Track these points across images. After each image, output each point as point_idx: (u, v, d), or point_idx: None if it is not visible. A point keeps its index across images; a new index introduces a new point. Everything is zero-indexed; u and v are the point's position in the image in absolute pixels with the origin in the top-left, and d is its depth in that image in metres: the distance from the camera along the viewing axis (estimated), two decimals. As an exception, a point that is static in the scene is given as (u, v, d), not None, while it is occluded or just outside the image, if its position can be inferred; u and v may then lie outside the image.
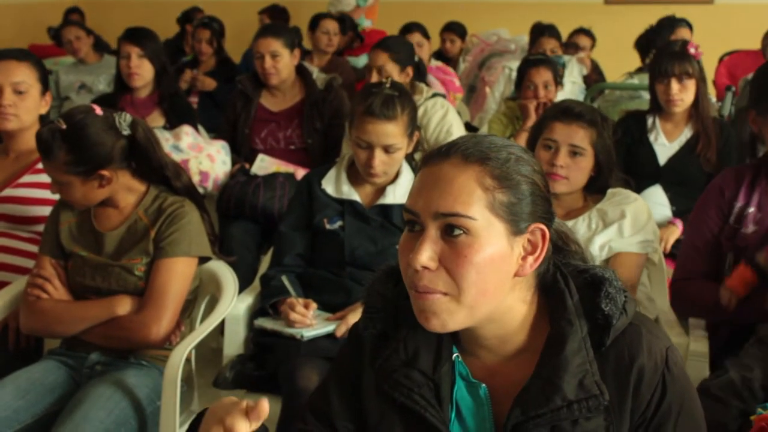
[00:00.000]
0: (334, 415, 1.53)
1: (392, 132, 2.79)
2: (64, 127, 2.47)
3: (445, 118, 4.10)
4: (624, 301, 1.42)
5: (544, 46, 5.65)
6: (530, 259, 1.41)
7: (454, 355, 1.47)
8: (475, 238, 1.35)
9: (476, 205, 1.35)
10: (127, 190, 2.61)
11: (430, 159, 1.42)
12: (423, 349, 1.46)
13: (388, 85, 2.86)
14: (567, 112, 2.78)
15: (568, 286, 1.44)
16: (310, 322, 2.72)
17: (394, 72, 4.13)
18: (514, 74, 5.24)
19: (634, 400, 1.39)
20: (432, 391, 1.44)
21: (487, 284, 1.36)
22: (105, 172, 2.53)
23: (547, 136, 2.77)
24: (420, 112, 4.11)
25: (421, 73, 4.37)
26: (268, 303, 2.84)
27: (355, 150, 2.85)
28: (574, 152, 2.74)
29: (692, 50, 3.82)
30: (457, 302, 1.36)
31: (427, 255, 1.35)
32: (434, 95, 4.23)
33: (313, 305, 2.77)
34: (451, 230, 1.35)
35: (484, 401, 1.45)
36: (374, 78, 4.10)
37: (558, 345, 1.39)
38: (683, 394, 1.42)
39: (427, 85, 4.45)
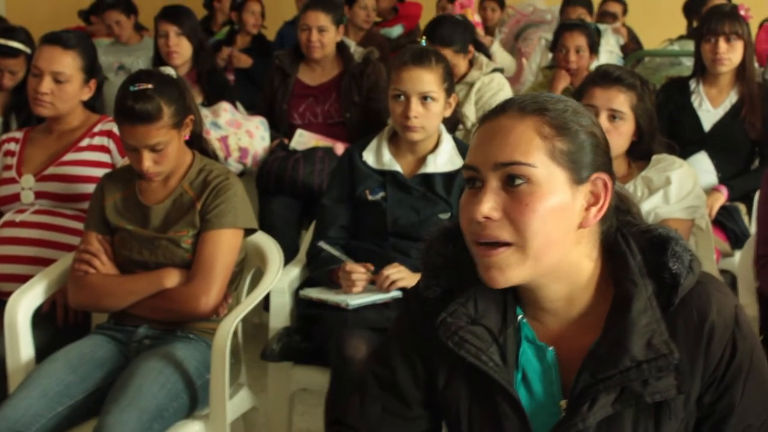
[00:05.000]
0: (401, 383, 1.52)
1: (427, 79, 2.82)
2: (151, 86, 2.51)
3: (494, 97, 4.06)
4: (690, 259, 1.39)
5: (570, 15, 5.55)
6: (593, 209, 1.39)
7: (519, 317, 1.45)
8: (536, 186, 1.34)
9: (536, 153, 1.34)
10: (180, 159, 2.63)
11: (486, 116, 1.41)
12: (489, 309, 1.44)
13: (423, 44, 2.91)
14: (605, 76, 2.74)
15: (630, 247, 1.42)
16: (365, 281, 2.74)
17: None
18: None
19: (705, 358, 1.37)
20: (499, 354, 1.42)
21: (551, 233, 1.35)
22: (192, 116, 2.64)
23: (586, 102, 2.73)
24: (476, 86, 4.15)
25: (481, 45, 4.34)
26: (324, 271, 2.84)
27: (392, 107, 2.87)
28: (614, 116, 2.70)
29: (742, 12, 3.76)
30: (522, 253, 1.34)
31: (489, 205, 1.34)
32: (493, 70, 4.21)
33: (371, 267, 2.78)
34: (512, 180, 1.34)
35: (552, 364, 1.43)
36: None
37: (623, 306, 1.37)
38: (752, 351, 1.40)
39: (489, 57, 4.41)
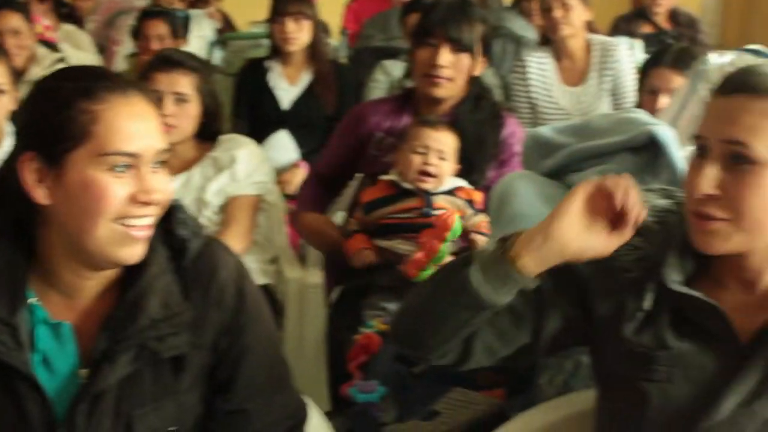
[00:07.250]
0: None
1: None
2: None
3: None
4: (195, 225, 1.52)
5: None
6: None
7: (30, 299, 1.45)
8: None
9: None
10: None
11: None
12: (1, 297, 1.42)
13: None
14: (167, 60, 2.81)
15: None
16: None
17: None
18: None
19: (217, 310, 1.49)
20: (11, 336, 1.41)
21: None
22: None
23: (151, 87, 2.73)
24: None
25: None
26: None
27: None
28: (180, 100, 2.74)
29: None
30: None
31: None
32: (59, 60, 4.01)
33: None
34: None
35: (68, 338, 1.45)
36: None
37: (139, 270, 1.44)
38: (257, 301, 1.56)
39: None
